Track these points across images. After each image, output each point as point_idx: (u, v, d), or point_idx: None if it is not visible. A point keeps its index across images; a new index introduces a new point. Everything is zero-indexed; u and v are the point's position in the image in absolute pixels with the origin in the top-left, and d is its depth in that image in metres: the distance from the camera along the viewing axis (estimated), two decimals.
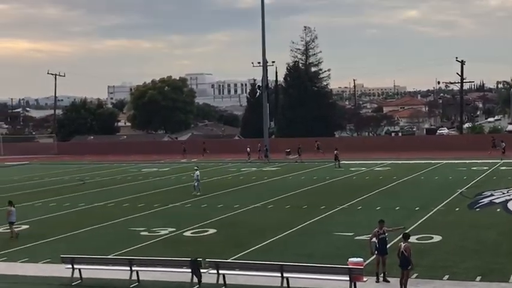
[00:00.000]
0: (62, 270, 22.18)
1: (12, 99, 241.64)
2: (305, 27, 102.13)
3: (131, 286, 20.83)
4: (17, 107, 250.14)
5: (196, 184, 43.44)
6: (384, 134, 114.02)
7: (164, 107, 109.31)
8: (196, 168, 45.67)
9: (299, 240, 27.29)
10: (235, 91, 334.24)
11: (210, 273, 20.49)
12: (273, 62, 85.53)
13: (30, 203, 41.86)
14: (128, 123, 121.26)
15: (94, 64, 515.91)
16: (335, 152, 61.59)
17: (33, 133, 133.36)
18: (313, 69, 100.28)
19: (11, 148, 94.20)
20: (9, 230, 30.17)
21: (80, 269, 21.76)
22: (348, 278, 18.88)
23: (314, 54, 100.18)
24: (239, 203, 38.53)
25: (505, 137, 76.45)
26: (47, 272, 23.09)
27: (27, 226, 33.05)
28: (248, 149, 72.62)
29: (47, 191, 48.61)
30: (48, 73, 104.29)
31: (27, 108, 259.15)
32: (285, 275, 19.52)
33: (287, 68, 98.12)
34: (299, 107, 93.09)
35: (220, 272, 20.33)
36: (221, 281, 20.26)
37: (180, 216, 34.49)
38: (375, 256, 20.64)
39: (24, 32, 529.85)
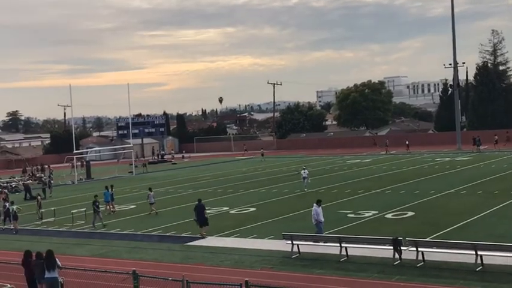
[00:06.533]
0: (283, 245, 22.81)
1: (239, 105, 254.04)
2: (493, 30, 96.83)
3: (341, 260, 20.95)
4: (244, 112, 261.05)
5: (305, 181, 41.62)
6: None
7: (365, 107, 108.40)
8: (304, 167, 44.90)
9: (491, 222, 25.83)
10: (429, 90, 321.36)
11: (410, 250, 20.04)
12: (463, 63, 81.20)
13: (256, 190, 43.54)
14: (334, 122, 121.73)
15: (305, 73, 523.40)
16: None
17: (257, 132, 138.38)
18: (501, 67, 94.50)
19: (240, 145, 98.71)
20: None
21: (298, 245, 22.29)
22: None
23: (502, 54, 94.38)
24: (434, 189, 37.25)
25: None
26: (271, 246, 23.89)
27: (254, 209, 34.45)
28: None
29: (268, 180, 50.15)
30: (268, 83, 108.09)
31: (252, 112, 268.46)
32: (479, 253, 18.60)
33: (476, 68, 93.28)
34: (488, 102, 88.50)
35: (419, 249, 19.81)
36: (420, 257, 19.74)
37: (381, 201, 34.07)
38: None
39: (248, 50, 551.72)
